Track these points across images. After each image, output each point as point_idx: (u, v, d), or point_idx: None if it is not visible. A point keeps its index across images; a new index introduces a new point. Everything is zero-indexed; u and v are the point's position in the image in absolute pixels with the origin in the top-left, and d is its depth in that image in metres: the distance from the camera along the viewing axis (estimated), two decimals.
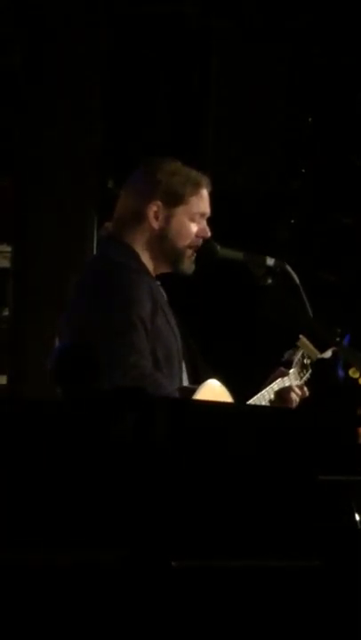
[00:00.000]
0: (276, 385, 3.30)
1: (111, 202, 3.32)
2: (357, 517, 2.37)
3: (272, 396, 3.30)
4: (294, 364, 3.37)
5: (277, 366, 3.36)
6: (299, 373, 3.38)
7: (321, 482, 2.36)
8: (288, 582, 2.34)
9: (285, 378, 3.32)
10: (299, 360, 3.37)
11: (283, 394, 3.29)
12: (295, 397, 3.29)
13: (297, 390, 3.30)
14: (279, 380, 3.32)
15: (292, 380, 3.36)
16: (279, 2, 5.07)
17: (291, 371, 3.35)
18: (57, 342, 3.19)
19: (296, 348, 3.39)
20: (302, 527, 2.34)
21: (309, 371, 3.41)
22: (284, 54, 5.18)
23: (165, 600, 2.28)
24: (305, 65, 5.19)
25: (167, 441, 2.29)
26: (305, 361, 3.39)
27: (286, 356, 3.40)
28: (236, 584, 2.32)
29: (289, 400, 3.28)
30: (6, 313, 5.24)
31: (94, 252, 4.95)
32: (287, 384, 3.30)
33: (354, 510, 2.36)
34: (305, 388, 3.33)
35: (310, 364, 3.41)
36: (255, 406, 3.11)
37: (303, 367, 3.40)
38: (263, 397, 3.27)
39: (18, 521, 2.27)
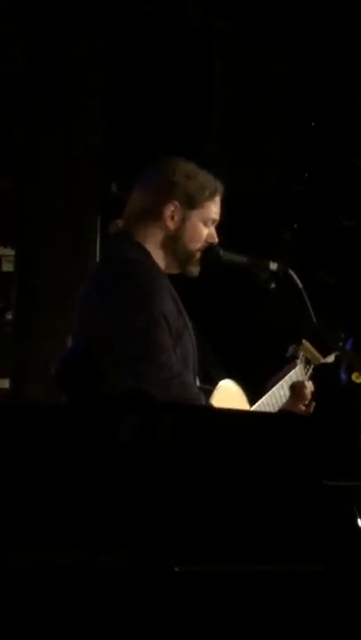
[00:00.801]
0: (286, 381, 3.31)
1: (114, 205, 3.32)
2: (360, 522, 2.38)
3: (287, 392, 3.31)
4: (300, 359, 3.38)
5: (283, 362, 3.37)
6: (304, 368, 3.39)
7: (324, 487, 2.36)
8: (291, 587, 2.34)
9: (293, 372, 3.34)
10: (302, 355, 3.38)
11: (297, 389, 3.30)
12: (308, 393, 3.31)
13: (308, 385, 3.31)
14: (288, 375, 3.33)
15: (298, 376, 3.37)
16: (279, 2, 5.07)
17: (297, 365, 3.36)
18: (69, 343, 3.16)
19: (299, 343, 3.40)
20: (305, 532, 2.34)
21: (311, 366, 3.42)
22: (285, 55, 5.18)
23: (168, 604, 2.29)
24: (306, 66, 5.19)
25: (170, 445, 2.30)
26: (308, 355, 3.40)
27: (291, 351, 3.41)
28: (239, 588, 2.32)
29: (303, 395, 3.30)
30: (9, 316, 5.25)
31: (98, 255, 4.97)
32: (296, 379, 3.32)
33: (357, 515, 2.37)
34: (310, 383, 3.35)
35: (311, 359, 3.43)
36: (258, 412, 3.11)
37: (307, 362, 3.41)
38: (275, 395, 3.27)
39: (21, 523, 2.28)
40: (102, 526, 2.28)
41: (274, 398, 3.27)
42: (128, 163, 3.43)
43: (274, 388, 3.28)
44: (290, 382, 3.33)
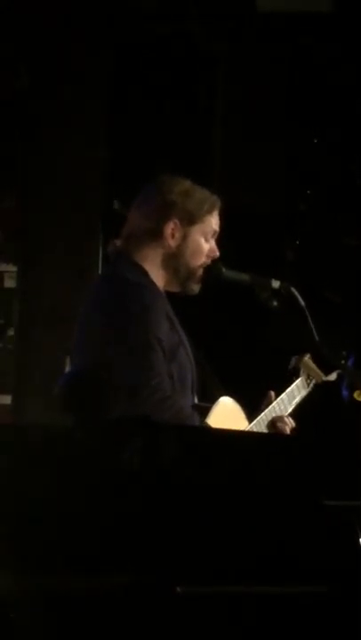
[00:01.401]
0: (291, 392, 3.30)
1: (117, 222, 3.32)
2: None
3: (287, 406, 3.30)
4: (302, 371, 3.37)
5: (285, 376, 3.35)
6: (306, 380, 3.38)
7: (325, 507, 2.35)
8: (293, 607, 2.33)
9: (295, 384, 3.32)
10: (305, 367, 3.37)
11: (275, 422, 3.28)
12: (284, 428, 3.27)
13: (287, 421, 3.28)
14: (289, 389, 3.32)
15: (299, 389, 3.36)
16: (281, 23, 5.09)
17: (299, 379, 3.35)
18: (68, 364, 3.17)
19: (302, 354, 3.39)
20: (307, 552, 2.33)
21: (313, 380, 3.40)
22: (288, 73, 5.20)
23: (169, 625, 2.27)
24: (308, 85, 5.20)
25: (173, 467, 2.29)
26: (311, 373, 3.39)
27: (292, 362, 3.40)
28: (240, 610, 2.31)
29: (279, 430, 3.27)
30: (11, 333, 5.24)
31: (100, 271, 4.97)
32: (298, 390, 3.30)
33: (358, 535, 2.36)
34: (290, 419, 3.31)
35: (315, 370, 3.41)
36: (259, 433, 3.11)
37: (310, 375, 3.39)
38: (275, 410, 3.26)
39: (22, 546, 2.27)
40: (103, 548, 2.27)
41: (273, 413, 3.26)
42: (131, 181, 3.43)
43: (274, 403, 3.27)
44: (291, 396, 3.32)
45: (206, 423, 3.02)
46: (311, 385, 3.39)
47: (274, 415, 3.27)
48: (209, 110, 5.25)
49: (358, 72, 5.16)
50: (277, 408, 3.29)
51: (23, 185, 5.21)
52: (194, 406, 3.11)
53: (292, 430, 3.28)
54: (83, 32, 5.12)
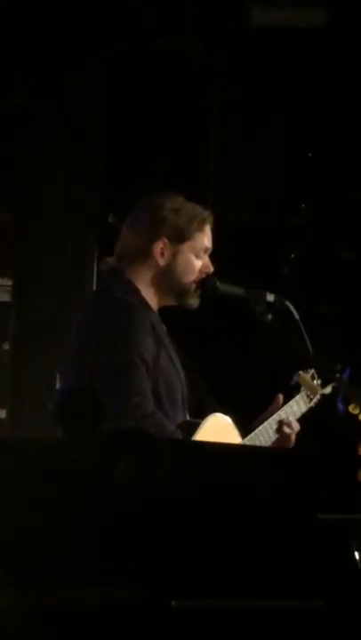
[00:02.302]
0: (278, 416, 3.29)
1: (112, 236, 3.32)
2: (357, 556, 2.36)
3: (275, 427, 3.28)
4: (302, 388, 3.36)
5: (277, 394, 3.33)
6: (308, 396, 3.36)
7: (321, 521, 2.35)
8: (289, 622, 2.32)
9: (295, 399, 3.31)
10: (308, 382, 3.36)
11: (280, 426, 3.27)
12: (289, 431, 3.26)
13: (293, 424, 3.27)
14: (286, 406, 3.30)
15: (299, 404, 3.34)
16: (277, 38, 5.10)
17: (299, 394, 3.34)
18: (58, 380, 3.17)
19: (304, 369, 3.37)
20: (303, 566, 2.33)
21: (318, 394, 3.38)
22: (284, 88, 5.21)
23: (165, 639, 2.27)
24: (304, 99, 5.21)
25: (168, 482, 2.29)
26: (315, 382, 3.38)
27: (294, 379, 3.39)
28: (238, 624, 2.30)
29: (284, 433, 3.26)
30: (6, 347, 5.24)
31: (94, 286, 4.97)
32: (283, 416, 3.29)
33: (354, 549, 2.35)
34: (296, 423, 3.30)
35: (321, 384, 3.39)
36: (255, 447, 3.10)
37: (312, 389, 3.38)
38: (266, 430, 3.25)
39: (18, 560, 2.27)
40: (98, 563, 2.27)
41: (263, 434, 3.25)
42: (127, 195, 3.43)
43: (265, 423, 3.25)
44: (290, 411, 3.30)
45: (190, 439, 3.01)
46: (314, 400, 3.38)
47: (267, 435, 3.25)
48: (204, 125, 5.26)
49: (353, 86, 5.17)
50: (269, 428, 3.27)
51: (19, 199, 5.22)
52: (185, 423, 3.11)
53: (298, 435, 3.27)
54: (80, 47, 5.13)
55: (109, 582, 2.26)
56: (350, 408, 3.23)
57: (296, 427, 3.28)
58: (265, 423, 3.24)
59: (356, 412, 3.23)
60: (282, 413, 3.28)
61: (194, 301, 3.21)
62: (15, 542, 2.26)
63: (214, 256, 3.27)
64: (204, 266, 3.21)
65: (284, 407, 3.30)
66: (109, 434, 2.76)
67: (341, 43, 5.07)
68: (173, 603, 2.25)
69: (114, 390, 2.95)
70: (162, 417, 3.00)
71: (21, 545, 2.27)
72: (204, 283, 3.21)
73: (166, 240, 3.16)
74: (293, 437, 3.25)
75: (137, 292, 3.15)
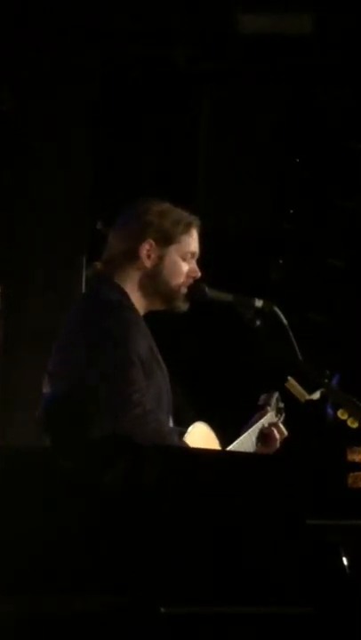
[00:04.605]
0: (258, 427, 3.30)
1: (100, 242, 3.33)
2: (345, 562, 2.36)
3: (257, 436, 3.29)
4: (271, 407, 3.37)
5: (255, 410, 3.36)
6: (275, 416, 3.38)
7: (309, 526, 2.35)
8: (276, 628, 2.32)
9: (264, 419, 3.33)
10: (274, 404, 3.38)
11: (266, 432, 3.28)
12: (277, 435, 3.28)
13: (278, 428, 3.30)
14: (260, 421, 3.32)
15: (270, 422, 3.36)
16: (267, 44, 5.11)
17: (268, 412, 3.35)
18: (45, 385, 3.16)
19: (271, 391, 3.40)
20: (290, 572, 2.33)
21: (283, 414, 3.41)
22: (274, 98, 5.23)
23: None
24: (293, 109, 5.23)
25: (157, 488, 2.28)
26: (279, 404, 3.41)
27: (262, 400, 3.41)
28: (225, 631, 2.30)
29: (273, 439, 3.28)
30: None
31: (83, 292, 4.97)
32: (267, 425, 3.30)
33: (341, 554, 2.35)
34: (283, 427, 3.33)
35: (283, 407, 3.42)
36: (243, 453, 3.10)
37: (278, 411, 3.41)
38: (247, 440, 3.26)
39: (5, 568, 2.26)
40: (86, 570, 2.26)
41: (244, 445, 3.26)
42: (115, 201, 3.44)
43: (245, 434, 3.26)
44: (257, 431, 3.31)
45: (185, 442, 3.02)
46: (280, 419, 3.40)
47: (243, 448, 3.26)
48: (193, 131, 5.27)
49: (342, 91, 5.19)
50: (248, 440, 3.28)
51: (7, 204, 5.22)
52: (171, 430, 3.11)
53: (282, 441, 3.29)
54: (68, 55, 5.14)
55: (98, 589, 2.26)
56: (339, 413, 3.24)
57: (283, 432, 3.30)
58: (245, 434, 3.25)
59: (345, 417, 3.23)
60: (247, 436, 3.29)
61: (182, 305, 3.21)
62: (1, 550, 2.26)
63: (203, 262, 3.28)
64: (191, 270, 3.22)
65: (259, 422, 3.31)
66: (96, 440, 2.76)
67: (329, 48, 5.08)
68: (162, 609, 2.25)
69: (113, 388, 2.94)
70: (160, 415, 3.00)
71: (7, 553, 2.27)
72: (192, 288, 3.22)
73: (152, 242, 3.17)
74: (277, 444, 3.27)
75: (126, 296, 3.15)
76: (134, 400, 2.93)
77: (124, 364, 2.96)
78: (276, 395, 3.40)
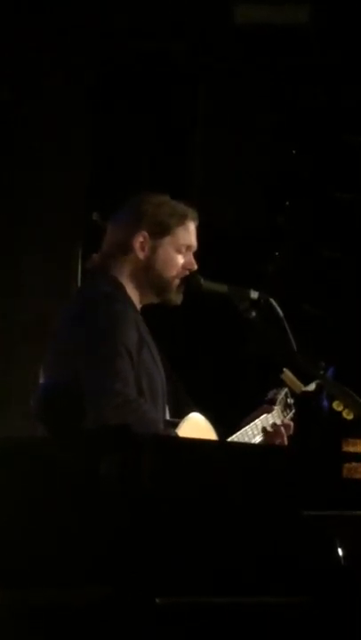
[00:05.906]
0: (260, 422, 3.30)
1: (97, 236, 3.33)
2: (340, 552, 2.37)
3: (258, 433, 3.29)
4: (278, 402, 3.37)
5: (261, 404, 3.35)
6: (282, 412, 3.38)
7: (305, 517, 2.35)
8: (273, 618, 2.32)
9: (269, 415, 3.32)
10: (282, 399, 3.38)
11: (271, 431, 3.28)
12: (284, 433, 3.28)
13: (284, 427, 3.29)
14: (263, 416, 3.31)
15: (275, 419, 3.35)
16: (263, 41, 5.11)
17: (274, 409, 3.35)
18: (41, 374, 3.18)
19: (280, 387, 3.39)
20: (286, 562, 2.33)
21: (293, 410, 3.40)
22: (270, 91, 5.23)
23: (149, 637, 2.27)
24: (289, 102, 5.23)
25: (153, 478, 2.29)
26: (288, 400, 3.40)
27: (270, 394, 3.41)
28: (222, 621, 2.30)
29: (280, 435, 3.28)
30: None
31: (79, 285, 4.97)
32: (271, 421, 3.30)
33: (337, 545, 2.36)
34: (291, 425, 3.33)
35: (293, 403, 3.41)
36: (239, 443, 3.11)
37: (286, 406, 3.40)
38: (247, 434, 3.26)
39: (1, 560, 2.26)
40: (81, 560, 2.26)
41: (245, 437, 3.25)
42: (113, 195, 3.45)
43: (247, 427, 3.26)
44: (263, 424, 3.31)
45: (175, 432, 3.02)
46: (288, 416, 3.39)
47: (245, 440, 3.26)
48: (190, 125, 5.27)
49: (338, 83, 5.18)
50: (249, 432, 3.28)
51: (4, 198, 5.22)
52: (165, 422, 3.11)
53: (288, 437, 3.29)
54: (65, 49, 5.14)
55: (93, 580, 2.26)
56: (334, 405, 3.24)
57: (290, 430, 3.30)
58: (246, 427, 3.25)
59: (340, 408, 3.23)
60: (259, 423, 3.28)
61: (176, 298, 3.21)
62: None
63: (198, 254, 3.28)
64: (187, 263, 3.22)
65: (258, 419, 3.30)
66: (92, 430, 2.76)
67: (325, 40, 5.08)
68: (158, 600, 2.25)
69: (97, 378, 2.95)
70: (145, 404, 3.00)
71: (3, 544, 2.27)
72: (187, 279, 3.22)
73: (146, 233, 3.18)
74: (285, 441, 3.28)
75: (122, 288, 3.16)
76: (116, 389, 2.93)
77: (110, 357, 2.97)
78: (285, 391, 3.39)
